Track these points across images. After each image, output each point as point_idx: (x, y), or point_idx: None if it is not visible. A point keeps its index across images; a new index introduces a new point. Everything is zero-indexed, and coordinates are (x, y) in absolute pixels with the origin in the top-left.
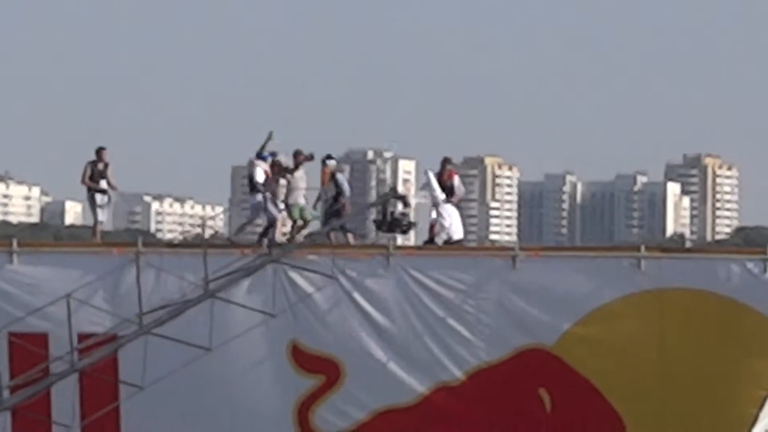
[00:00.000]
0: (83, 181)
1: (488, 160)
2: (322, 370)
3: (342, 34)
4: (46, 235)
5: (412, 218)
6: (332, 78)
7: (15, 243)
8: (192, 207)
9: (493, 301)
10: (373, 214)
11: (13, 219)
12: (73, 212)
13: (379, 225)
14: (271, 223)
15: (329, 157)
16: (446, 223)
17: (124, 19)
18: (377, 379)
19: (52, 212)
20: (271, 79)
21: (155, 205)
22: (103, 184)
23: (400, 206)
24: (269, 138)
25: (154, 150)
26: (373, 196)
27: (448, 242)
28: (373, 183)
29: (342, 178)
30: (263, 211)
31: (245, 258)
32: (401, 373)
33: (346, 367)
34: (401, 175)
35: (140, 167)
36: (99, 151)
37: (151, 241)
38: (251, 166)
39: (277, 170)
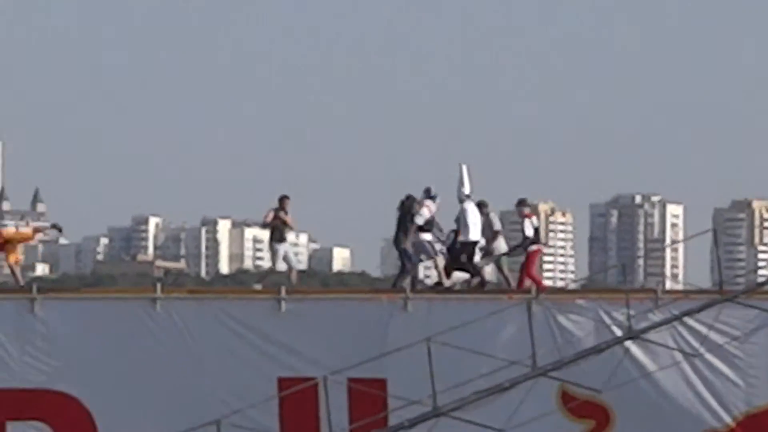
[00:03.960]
0: (264, 226)
1: (756, 204)
2: (591, 415)
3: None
4: (314, 281)
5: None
6: (598, 123)
7: (283, 290)
8: None
9: (762, 345)
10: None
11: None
12: (341, 258)
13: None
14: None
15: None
16: (470, 221)
17: None
18: (647, 424)
19: (320, 259)
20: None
21: None
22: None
23: None
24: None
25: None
26: (641, 240)
27: (465, 243)
28: (641, 227)
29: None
30: (423, 251)
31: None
32: (671, 418)
33: (615, 412)
34: (669, 219)
35: None
36: (282, 200)
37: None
38: (419, 204)
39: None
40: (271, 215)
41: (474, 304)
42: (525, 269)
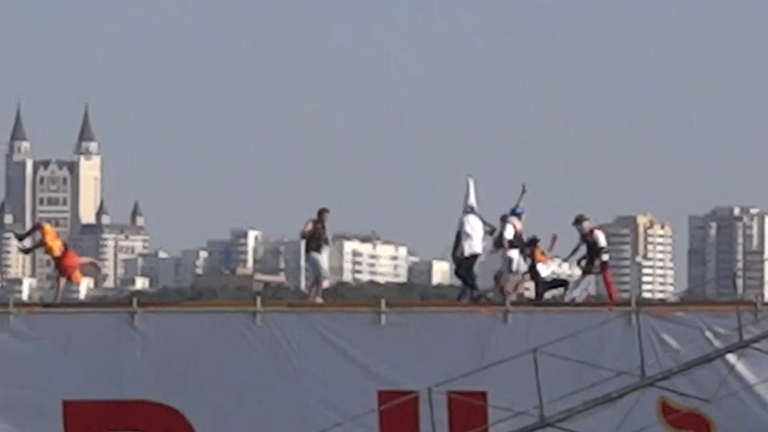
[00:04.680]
0: (303, 236)
1: None
2: (693, 427)
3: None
4: (413, 294)
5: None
6: (697, 136)
7: (383, 303)
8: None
9: None
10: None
11: (381, 279)
12: (441, 272)
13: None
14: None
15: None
16: (471, 233)
17: None
18: None
19: (419, 272)
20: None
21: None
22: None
23: None
24: (523, 192)
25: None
26: (739, 252)
27: (469, 256)
28: (740, 240)
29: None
30: (507, 266)
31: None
32: None
33: (716, 423)
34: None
35: None
36: (321, 213)
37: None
38: (505, 221)
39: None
40: (309, 226)
41: (574, 317)
42: (606, 280)
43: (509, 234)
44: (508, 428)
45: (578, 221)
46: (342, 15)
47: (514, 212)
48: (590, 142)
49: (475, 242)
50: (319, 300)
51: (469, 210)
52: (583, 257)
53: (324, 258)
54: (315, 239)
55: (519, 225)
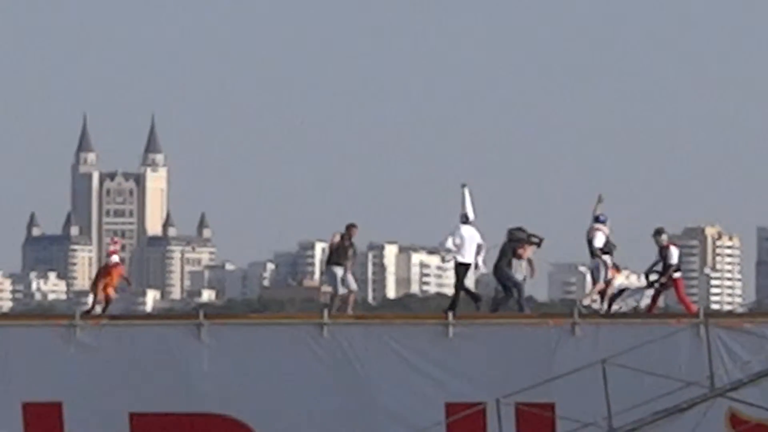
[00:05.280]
0: (330, 252)
1: None
2: None
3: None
4: (481, 306)
5: None
6: (764, 147)
7: (450, 315)
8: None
9: None
10: None
11: (448, 291)
12: None
13: None
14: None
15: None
16: (455, 243)
17: None
18: None
19: (487, 283)
20: None
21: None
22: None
23: None
24: (599, 201)
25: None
26: None
27: (461, 265)
28: None
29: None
30: (597, 274)
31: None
32: None
33: None
34: None
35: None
36: (349, 228)
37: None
38: (591, 230)
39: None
40: (337, 238)
41: (642, 328)
42: (678, 295)
43: (600, 242)
44: None
45: (658, 233)
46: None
47: (598, 220)
48: (658, 153)
49: (465, 252)
50: (349, 311)
51: (463, 220)
52: (654, 268)
53: (341, 272)
54: (338, 253)
55: (606, 231)
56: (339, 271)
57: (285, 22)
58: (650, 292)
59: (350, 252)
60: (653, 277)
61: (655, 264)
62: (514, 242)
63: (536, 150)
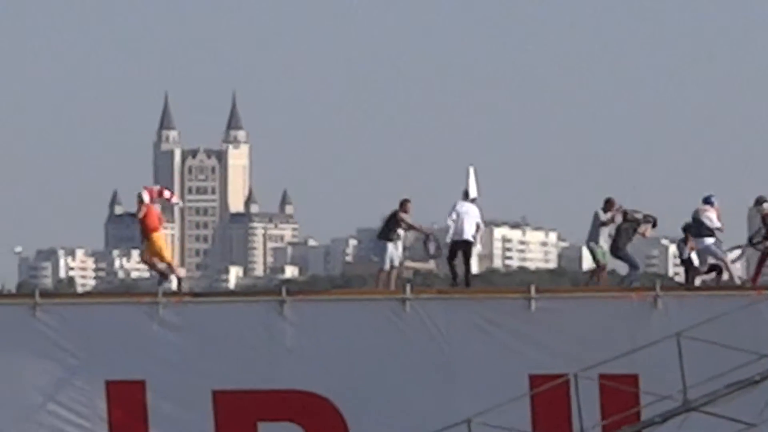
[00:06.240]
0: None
1: None
2: None
3: None
4: (563, 281)
5: None
6: None
7: (533, 289)
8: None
9: None
10: None
11: (531, 265)
12: (588, 258)
13: None
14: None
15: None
16: (457, 219)
17: None
18: None
19: (570, 258)
20: None
21: (672, 248)
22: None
23: None
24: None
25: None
26: None
27: (456, 242)
28: None
29: None
30: (710, 255)
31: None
32: None
33: None
34: None
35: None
36: (403, 203)
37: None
38: (700, 211)
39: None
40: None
41: (723, 300)
42: (759, 264)
43: (715, 222)
44: (657, 412)
45: (758, 202)
46: None
47: (707, 200)
48: (739, 124)
49: (463, 229)
50: (391, 287)
51: (463, 197)
52: (756, 236)
53: (391, 247)
54: (389, 228)
55: (717, 211)
56: (389, 246)
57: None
58: (750, 251)
59: (402, 227)
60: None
61: (756, 232)
62: (632, 222)
63: (621, 124)
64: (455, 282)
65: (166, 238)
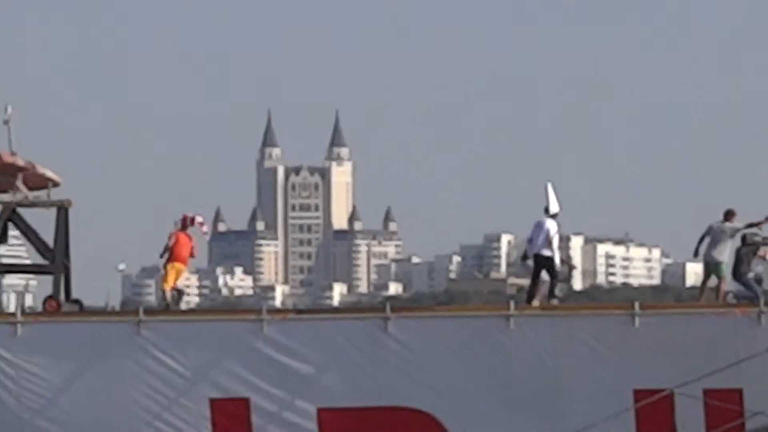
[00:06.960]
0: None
1: None
2: None
3: None
4: (667, 297)
5: None
6: None
7: (637, 305)
8: None
9: None
10: None
11: (634, 281)
12: (695, 273)
13: None
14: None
15: None
16: (532, 236)
17: None
18: None
19: (673, 274)
20: None
21: None
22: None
23: None
24: None
25: None
26: None
27: (539, 256)
28: None
29: None
30: None
31: None
32: None
33: None
34: None
35: None
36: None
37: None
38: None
39: None
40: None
41: None
42: None
43: None
44: (752, 426)
45: None
46: None
47: None
48: None
49: (537, 245)
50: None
51: (545, 213)
52: None
53: None
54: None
55: None
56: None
57: (463, 9)
58: None
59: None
60: None
61: None
62: (751, 246)
63: (704, 142)
64: (530, 299)
65: (182, 272)
